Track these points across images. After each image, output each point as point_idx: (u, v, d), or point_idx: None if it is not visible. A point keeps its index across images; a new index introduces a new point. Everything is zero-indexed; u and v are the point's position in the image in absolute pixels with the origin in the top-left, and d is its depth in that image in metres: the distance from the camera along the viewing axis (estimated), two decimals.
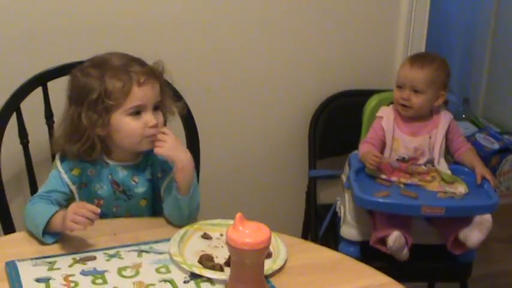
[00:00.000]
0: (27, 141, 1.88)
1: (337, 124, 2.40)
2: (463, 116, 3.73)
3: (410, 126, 2.12)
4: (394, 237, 1.93)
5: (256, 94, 2.39)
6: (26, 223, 1.56)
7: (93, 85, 1.57)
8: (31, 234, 1.53)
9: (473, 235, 1.95)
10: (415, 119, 2.12)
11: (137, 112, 1.59)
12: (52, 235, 1.50)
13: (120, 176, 1.66)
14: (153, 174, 1.69)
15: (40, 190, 1.64)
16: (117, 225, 1.61)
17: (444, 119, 2.13)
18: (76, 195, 1.64)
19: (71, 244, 1.50)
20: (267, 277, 1.36)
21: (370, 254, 2.00)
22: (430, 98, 2.08)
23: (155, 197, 1.71)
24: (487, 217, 1.94)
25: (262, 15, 2.30)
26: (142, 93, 1.59)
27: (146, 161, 1.69)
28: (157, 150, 1.59)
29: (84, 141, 1.59)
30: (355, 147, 2.21)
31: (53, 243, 1.50)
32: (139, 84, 1.58)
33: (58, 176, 1.63)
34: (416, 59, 2.12)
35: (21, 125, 1.87)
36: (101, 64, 1.61)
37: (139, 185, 1.68)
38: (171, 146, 1.58)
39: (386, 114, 2.14)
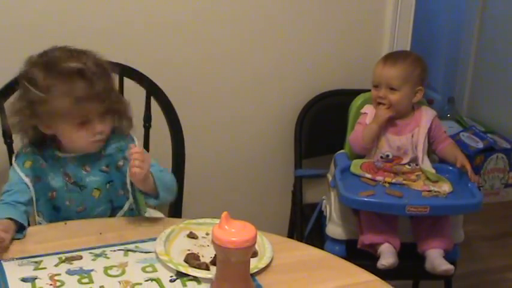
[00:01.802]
0: (11, 141, 1.88)
1: (323, 124, 2.41)
2: (448, 115, 3.75)
3: (393, 124, 2.13)
4: (388, 261, 1.94)
5: (243, 94, 2.39)
6: None
7: (36, 92, 1.57)
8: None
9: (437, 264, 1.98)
10: (397, 117, 2.13)
11: (83, 122, 1.60)
12: None
13: (72, 166, 1.67)
14: (110, 166, 1.70)
15: (4, 187, 1.65)
16: (102, 224, 1.61)
17: (426, 116, 2.15)
18: (31, 190, 1.65)
19: (57, 244, 1.50)
20: (252, 275, 1.36)
21: (355, 253, 2.01)
22: (407, 94, 2.10)
23: (112, 189, 1.71)
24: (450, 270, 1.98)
25: (249, 17, 2.30)
26: (88, 108, 1.59)
27: (100, 151, 1.69)
28: (140, 172, 1.54)
29: (33, 134, 1.64)
30: (341, 146, 2.23)
31: None
32: (85, 101, 1.57)
33: (15, 171, 1.65)
34: (389, 57, 2.15)
35: (4, 125, 1.86)
36: (50, 68, 1.59)
37: (91, 175, 1.68)
38: (148, 163, 1.56)
39: (370, 111, 2.15)
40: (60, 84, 1.57)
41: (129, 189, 1.70)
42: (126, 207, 1.73)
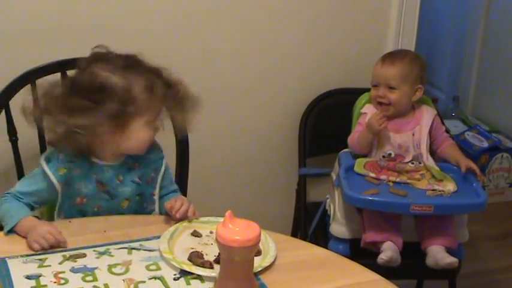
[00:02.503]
0: (16, 139, 1.88)
1: (327, 122, 2.41)
2: (453, 114, 3.74)
3: (393, 122, 2.13)
4: (386, 255, 1.94)
5: (247, 93, 2.39)
6: None
7: (116, 89, 1.55)
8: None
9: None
10: (397, 116, 2.13)
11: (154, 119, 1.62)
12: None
13: (106, 175, 1.65)
14: (142, 178, 1.69)
15: (17, 188, 1.63)
16: (107, 222, 1.61)
17: (427, 115, 2.15)
18: (59, 193, 1.62)
19: None
20: (256, 274, 1.36)
21: (359, 252, 2.01)
22: (406, 93, 2.10)
23: (140, 201, 1.70)
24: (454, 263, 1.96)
25: (252, 16, 2.30)
26: (161, 105, 1.63)
27: (134, 162, 1.68)
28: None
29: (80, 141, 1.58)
30: (345, 145, 2.23)
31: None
32: (161, 98, 1.62)
33: (45, 176, 1.61)
34: (387, 57, 2.15)
35: (10, 123, 1.86)
36: (130, 68, 1.60)
37: (124, 185, 1.67)
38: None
39: (370, 110, 2.15)
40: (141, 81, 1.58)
41: (156, 200, 1.71)
42: None
